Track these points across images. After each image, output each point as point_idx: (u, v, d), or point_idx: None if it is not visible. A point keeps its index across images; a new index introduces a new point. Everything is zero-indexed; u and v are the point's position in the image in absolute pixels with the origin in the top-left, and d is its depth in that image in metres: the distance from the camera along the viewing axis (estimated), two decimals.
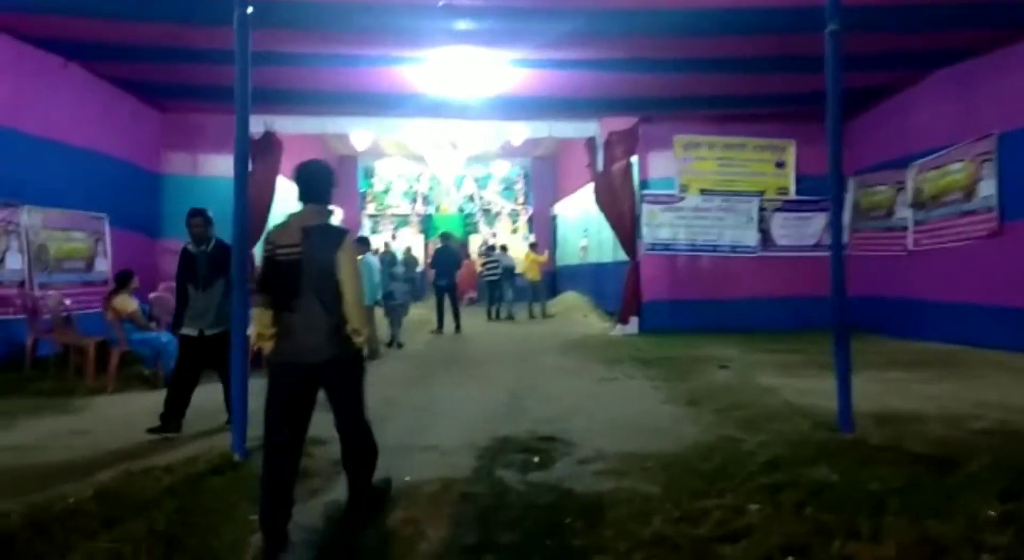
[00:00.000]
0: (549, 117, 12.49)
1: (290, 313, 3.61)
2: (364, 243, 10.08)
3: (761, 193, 12.62)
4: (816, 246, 12.65)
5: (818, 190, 12.54)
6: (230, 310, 5.44)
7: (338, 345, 3.63)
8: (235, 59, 4.96)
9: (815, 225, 12.66)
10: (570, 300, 17.75)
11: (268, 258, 3.69)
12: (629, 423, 5.95)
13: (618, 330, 12.50)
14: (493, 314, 16.23)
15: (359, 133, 14.34)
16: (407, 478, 4.50)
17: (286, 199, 15.18)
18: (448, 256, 13.89)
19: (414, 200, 25.07)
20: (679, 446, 5.06)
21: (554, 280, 20.85)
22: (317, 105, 11.84)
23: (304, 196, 3.81)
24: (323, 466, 4.83)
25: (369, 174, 25.03)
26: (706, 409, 6.36)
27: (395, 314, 11.37)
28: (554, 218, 22.53)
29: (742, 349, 10.05)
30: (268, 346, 3.71)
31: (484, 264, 16.58)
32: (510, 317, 16.24)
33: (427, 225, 24.78)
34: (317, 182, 3.84)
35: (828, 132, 5.40)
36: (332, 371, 3.69)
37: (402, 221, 24.70)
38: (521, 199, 24.71)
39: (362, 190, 24.76)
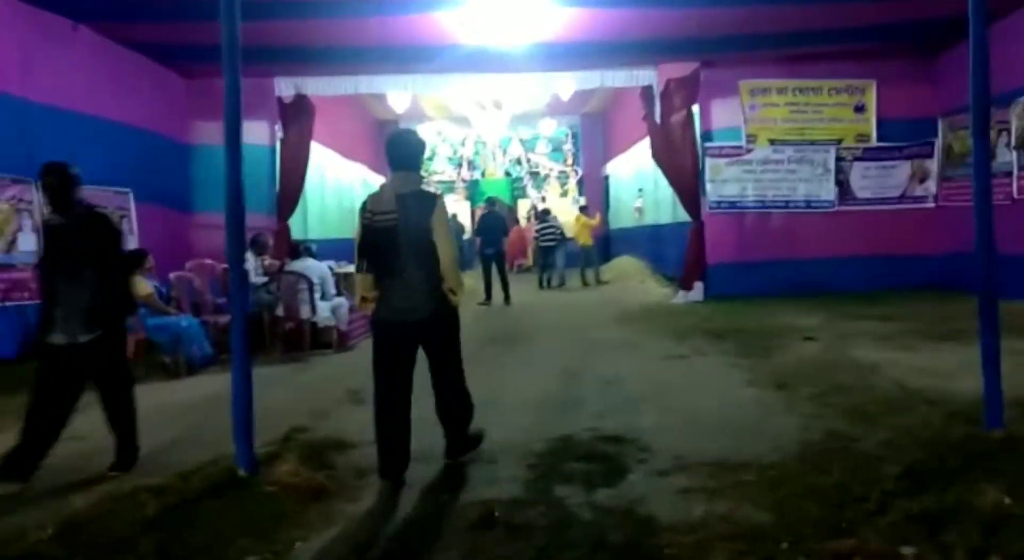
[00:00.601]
0: (599, 66, 11.30)
1: (390, 276, 3.79)
2: None
3: (838, 141, 11.28)
4: (901, 198, 11.32)
5: (902, 135, 11.25)
6: (110, 307, 4.18)
7: (436, 304, 3.80)
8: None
9: (899, 175, 11.30)
10: (625, 265, 16.65)
11: (366, 225, 3.81)
12: (710, 415, 4.95)
13: (680, 297, 11.41)
14: (545, 282, 15.31)
15: (397, 94, 13.39)
16: (444, 497, 3.61)
17: (323, 166, 14.38)
18: (495, 223, 12.93)
19: (459, 165, 24.12)
20: (780, 449, 4.04)
21: (607, 244, 19.74)
22: (349, 63, 10.89)
23: (395, 164, 3.91)
24: (345, 477, 3.98)
25: None
26: (801, 394, 5.32)
27: None
28: (606, 178, 21.32)
29: (825, 316, 8.90)
30: (370, 308, 3.92)
31: (539, 229, 15.57)
32: (562, 284, 15.27)
33: (473, 191, 23.81)
34: (407, 150, 3.94)
35: (971, 43, 4.25)
36: (431, 328, 3.86)
37: (447, 187, 23.72)
38: (570, 160, 23.54)
39: None
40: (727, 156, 11.35)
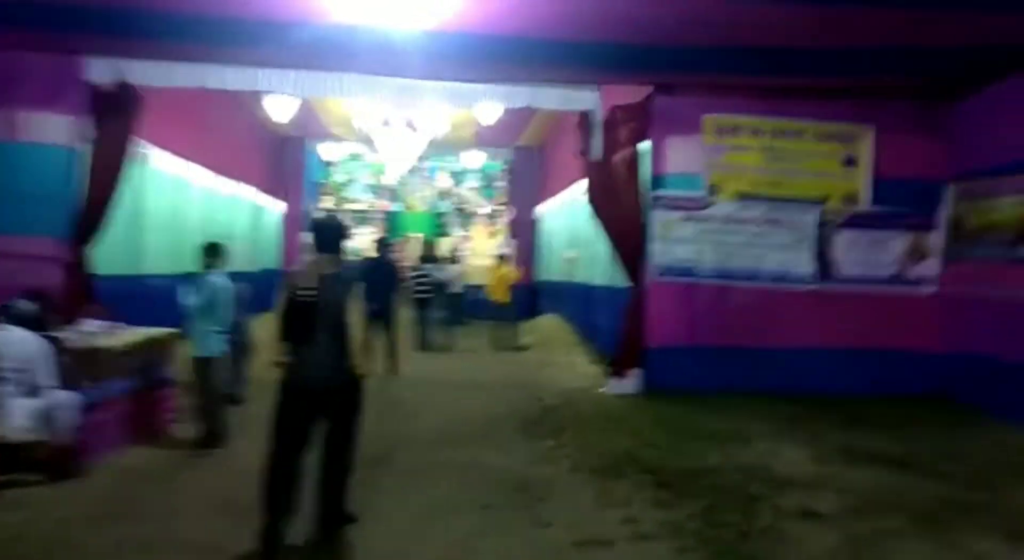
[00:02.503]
0: (527, 79, 8.43)
1: (306, 344, 4.01)
2: (214, 253, 5.99)
3: (823, 201, 8.64)
4: (895, 279, 8.69)
5: (902, 199, 8.67)
6: None
7: (344, 374, 4.05)
8: None
9: (895, 249, 8.67)
10: (551, 327, 13.73)
11: (289, 298, 4.09)
12: None
13: (612, 386, 8.50)
14: (422, 344, 12.36)
15: (278, 100, 10.31)
16: None
17: (184, 184, 11.13)
18: (383, 270, 9.83)
19: (379, 195, 21.09)
20: None
21: (534, 297, 16.86)
22: (189, 42, 7.78)
23: (319, 247, 4.18)
24: None
25: (329, 163, 21.05)
26: None
27: (238, 358, 7.30)
28: (536, 222, 18.51)
29: (813, 447, 6.07)
30: (280, 371, 4.08)
31: (413, 278, 12.68)
32: (448, 347, 12.32)
33: (393, 224, 20.79)
34: (329, 235, 4.20)
35: None
36: (337, 396, 4.09)
37: (361, 219, 20.66)
38: (503, 198, 20.75)
39: (319, 181, 20.75)
40: (681, 209, 8.58)
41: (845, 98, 8.51)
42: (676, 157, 8.62)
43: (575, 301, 13.10)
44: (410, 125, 12.85)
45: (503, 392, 8.59)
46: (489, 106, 9.35)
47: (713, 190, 8.58)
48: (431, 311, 12.63)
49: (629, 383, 8.41)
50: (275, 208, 16.88)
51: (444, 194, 21.27)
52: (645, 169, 8.61)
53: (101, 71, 8.12)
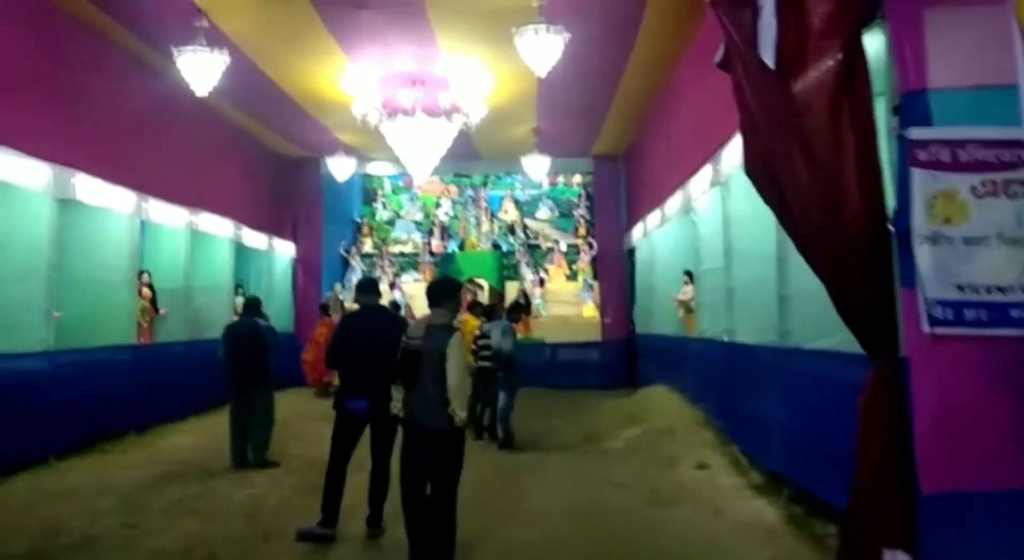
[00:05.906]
0: None
1: (412, 388, 4.46)
2: None
3: None
4: None
5: None
6: None
7: (444, 419, 4.31)
8: None
9: None
10: (665, 409, 8.66)
11: (402, 346, 4.56)
12: None
13: None
14: (482, 432, 8.75)
15: (187, 59, 6.08)
16: None
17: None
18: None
19: (430, 233, 16.90)
20: None
21: (632, 358, 11.97)
22: None
23: (432, 302, 4.63)
24: None
25: (371, 195, 17.13)
26: None
27: None
28: (630, 253, 13.71)
29: None
30: (401, 412, 4.53)
31: (476, 340, 8.39)
32: (507, 440, 8.13)
33: (446, 268, 16.48)
34: (442, 295, 4.64)
35: None
36: (439, 440, 4.35)
37: (409, 263, 16.47)
38: (583, 229, 16.17)
39: (359, 217, 16.79)
40: (974, 170, 3.67)
41: None
42: (952, 55, 3.75)
43: (698, 365, 8.13)
44: (449, 112, 8.41)
45: None
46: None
47: None
48: (495, 387, 8.46)
49: None
50: (281, 250, 12.75)
51: (510, 228, 16.92)
52: (875, 87, 3.79)
53: None
